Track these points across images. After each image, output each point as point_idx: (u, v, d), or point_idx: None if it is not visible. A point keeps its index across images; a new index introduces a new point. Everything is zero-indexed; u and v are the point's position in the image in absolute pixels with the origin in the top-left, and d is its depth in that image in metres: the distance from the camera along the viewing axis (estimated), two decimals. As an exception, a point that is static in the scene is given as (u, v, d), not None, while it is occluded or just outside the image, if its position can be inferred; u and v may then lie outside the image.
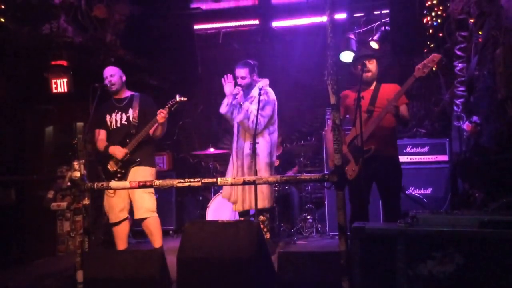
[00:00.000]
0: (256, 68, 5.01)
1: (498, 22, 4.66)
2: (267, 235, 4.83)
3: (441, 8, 5.95)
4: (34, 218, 6.07)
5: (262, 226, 4.70)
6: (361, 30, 6.80)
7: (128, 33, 6.21)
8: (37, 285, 4.30)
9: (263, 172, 4.81)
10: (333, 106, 2.54)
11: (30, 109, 6.40)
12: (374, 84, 4.16)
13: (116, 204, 4.41)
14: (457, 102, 5.89)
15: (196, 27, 7.31)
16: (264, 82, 4.96)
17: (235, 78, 4.99)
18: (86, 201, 3.01)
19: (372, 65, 4.13)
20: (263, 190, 4.78)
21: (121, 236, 4.48)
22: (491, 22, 4.91)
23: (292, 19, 7.20)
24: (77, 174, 2.93)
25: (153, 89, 7.17)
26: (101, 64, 5.81)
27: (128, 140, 4.39)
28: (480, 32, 5.25)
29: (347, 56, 6.02)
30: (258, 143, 4.71)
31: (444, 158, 6.11)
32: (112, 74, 4.50)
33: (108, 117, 4.52)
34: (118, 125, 4.49)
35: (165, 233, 6.32)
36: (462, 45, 5.64)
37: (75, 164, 2.94)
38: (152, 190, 4.43)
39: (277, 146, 5.33)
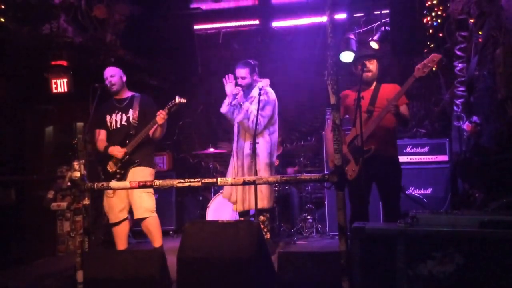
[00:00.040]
0: (256, 68, 5.01)
1: (498, 22, 4.66)
2: (267, 235, 4.83)
3: (441, 8, 5.95)
4: (34, 218, 6.07)
5: (262, 226, 4.69)
6: (361, 30, 6.80)
7: (128, 33, 6.21)
8: (37, 285, 4.30)
9: (263, 173, 4.81)
10: (333, 106, 2.54)
11: (30, 109, 6.40)
12: (374, 84, 4.16)
13: (115, 205, 4.41)
14: (457, 102, 5.89)
15: (196, 27, 7.31)
16: (264, 82, 4.95)
17: (236, 78, 4.99)
18: (86, 201, 3.01)
19: (372, 65, 4.13)
20: (263, 190, 4.78)
21: (121, 236, 4.48)
22: (491, 22, 4.91)
23: (292, 19, 7.20)
24: (77, 174, 2.93)
25: (153, 89, 7.17)
26: (101, 64, 5.81)
27: (127, 141, 4.39)
28: (480, 32, 5.25)
29: (347, 56, 6.02)
30: (258, 143, 4.71)
31: (444, 158, 6.11)
32: (112, 75, 4.50)
33: (108, 117, 4.52)
34: (118, 125, 4.49)
35: (165, 233, 6.32)
36: (462, 45, 5.64)
37: (75, 164, 2.94)
38: (151, 190, 4.42)
39: (277, 146, 5.33)
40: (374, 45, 6.35)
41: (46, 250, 6.04)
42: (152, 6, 6.66)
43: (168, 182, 2.92)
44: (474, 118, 5.38)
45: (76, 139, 6.87)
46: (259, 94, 4.66)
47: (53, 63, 5.63)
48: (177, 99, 4.27)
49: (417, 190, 6.12)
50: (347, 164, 3.95)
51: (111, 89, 4.47)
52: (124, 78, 4.59)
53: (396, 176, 4.06)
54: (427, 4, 6.05)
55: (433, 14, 6.01)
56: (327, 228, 6.30)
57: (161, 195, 6.60)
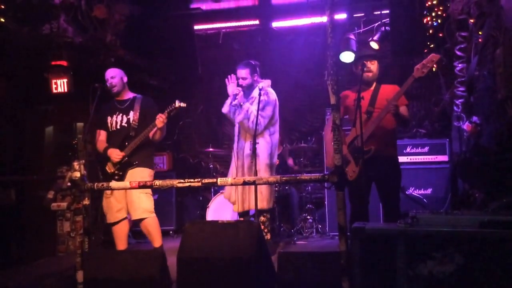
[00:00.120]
0: (257, 68, 5.00)
1: (498, 23, 4.66)
2: (268, 236, 4.83)
3: (441, 8, 5.95)
4: (34, 218, 6.07)
5: (262, 227, 4.69)
6: (361, 30, 6.80)
7: (128, 33, 6.21)
8: (37, 285, 4.30)
9: (263, 173, 4.80)
10: (333, 107, 2.54)
11: (30, 109, 6.41)
12: (374, 84, 4.16)
13: (113, 205, 4.41)
14: (457, 102, 5.89)
15: (196, 27, 7.31)
16: (265, 83, 4.95)
17: (237, 78, 5.00)
18: (86, 202, 3.01)
19: (373, 65, 4.13)
20: (262, 191, 4.78)
21: (121, 236, 4.48)
22: (491, 22, 4.91)
23: (292, 19, 7.21)
24: (77, 174, 2.93)
25: (153, 89, 7.17)
26: (101, 64, 5.82)
27: (126, 143, 4.38)
28: (480, 33, 5.25)
29: (347, 57, 6.01)
30: (258, 143, 4.71)
31: (444, 158, 6.11)
32: (113, 76, 4.50)
33: (109, 118, 4.52)
34: (118, 127, 4.49)
35: (165, 233, 6.33)
36: (462, 46, 5.64)
37: (75, 164, 2.94)
38: (149, 190, 4.42)
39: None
40: (374, 45, 6.35)
41: (46, 250, 6.04)
42: (152, 6, 6.66)
43: (168, 182, 2.92)
44: (474, 118, 5.38)
45: (76, 139, 6.88)
46: (259, 95, 4.66)
47: (53, 63, 5.64)
48: (177, 103, 4.26)
49: (417, 190, 6.12)
50: (347, 164, 3.94)
51: (112, 91, 4.47)
52: (125, 79, 4.59)
53: (396, 177, 4.06)
54: (427, 4, 6.05)
55: (433, 14, 6.00)
56: (327, 228, 6.30)
57: (161, 195, 6.61)
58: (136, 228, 4.68)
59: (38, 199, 5.63)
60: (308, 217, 6.42)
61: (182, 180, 2.86)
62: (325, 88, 2.63)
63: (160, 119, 4.23)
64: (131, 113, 4.47)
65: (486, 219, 2.42)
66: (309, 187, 6.68)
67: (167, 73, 7.41)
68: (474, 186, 5.12)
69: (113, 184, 3.37)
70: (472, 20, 5.39)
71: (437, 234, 2.43)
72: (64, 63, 5.62)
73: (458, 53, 5.71)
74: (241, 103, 4.86)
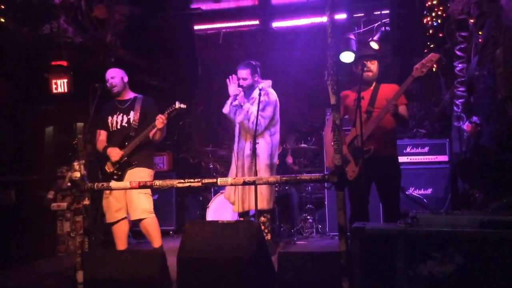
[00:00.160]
0: (258, 69, 5.00)
1: (498, 23, 4.66)
2: (268, 236, 4.83)
3: (441, 8, 5.95)
4: (34, 218, 6.08)
5: (263, 227, 4.70)
6: (361, 30, 6.80)
7: (128, 34, 6.21)
8: (37, 285, 4.30)
9: (263, 173, 4.80)
10: (333, 107, 2.54)
11: (30, 109, 6.41)
12: (374, 84, 4.16)
13: (113, 204, 4.41)
14: (457, 102, 5.89)
15: (196, 27, 7.31)
16: (266, 83, 4.95)
17: (238, 79, 4.99)
18: (86, 202, 3.01)
19: (373, 65, 4.13)
20: (262, 191, 4.77)
21: (121, 236, 4.48)
22: (491, 22, 4.91)
23: (292, 20, 7.21)
24: (77, 174, 2.93)
25: (153, 89, 7.17)
26: (101, 64, 5.82)
27: (126, 143, 4.38)
28: (480, 33, 5.25)
29: (347, 57, 6.02)
30: (258, 143, 4.71)
31: (444, 158, 6.11)
32: (113, 76, 4.50)
33: (109, 118, 4.52)
34: (119, 127, 4.48)
35: (165, 234, 6.33)
36: (462, 46, 5.64)
37: (75, 164, 2.94)
38: (148, 191, 4.41)
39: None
40: (374, 45, 6.35)
41: (46, 250, 6.04)
42: (152, 6, 6.67)
43: (168, 182, 2.92)
44: (474, 118, 5.38)
45: (76, 139, 6.88)
46: (259, 95, 4.66)
47: (53, 63, 5.64)
48: (177, 105, 4.26)
49: (417, 190, 6.12)
50: (347, 164, 3.94)
51: (112, 91, 4.47)
52: (126, 79, 4.58)
53: (396, 177, 4.06)
54: (427, 4, 6.05)
55: (433, 14, 6.00)
56: (327, 228, 6.30)
57: (161, 195, 6.61)
58: (136, 228, 4.68)
59: (38, 199, 5.63)
60: (308, 217, 6.42)
61: (182, 180, 2.86)
62: (325, 88, 2.63)
63: (160, 120, 4.22)
64: (132, 113, 4.47)
65: (486, 219, 2.42)
66: (309, 187, 6.68)
67: (167, 73, 7.41)
68: (474, 186, 5.12)
69: (113, 184, 3.37)
70: (472, 20, 5.39)
71: (437, 234, 2.43)
72: (64, 63, 5.62)
73: (458, 53, 5.71)
74: (242, 104, 4.86)
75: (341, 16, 6.66)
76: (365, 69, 4.00)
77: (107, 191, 4.37)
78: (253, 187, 4.46)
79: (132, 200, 4.34)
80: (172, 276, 3.35)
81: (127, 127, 4.46)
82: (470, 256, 2.35)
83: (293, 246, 5.86)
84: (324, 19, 6.37)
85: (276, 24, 7.29)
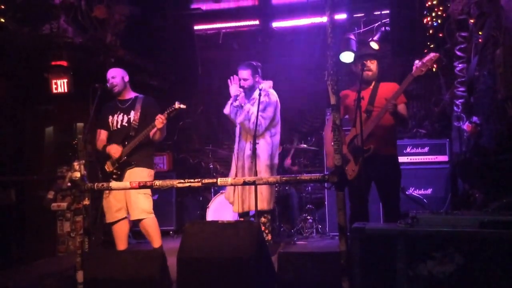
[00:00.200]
0: (259, 70, 4.99)
1: (498, 23, 4.66)
2: (269, 237, 4.83)
3: (441, 8, 5.95)
4: (34, 218, 6.08)
5: (263, 228, 4.70)
6: (361, 30, 6.81)
7: (128, 34, 6.21)
8: (37, 285, 4.29)
9: (264, 174, 4.79)
10: (333, 107, 2.54)
11: (30, 109, 6.41)
12: (373, 83, 4.16)
13: (113, 204, 4.41)
14: (457, 102, 5.89)
15: (196, 27, 7.32)
16: (267, 84, 4.95)
17: (239, 79, 4.99)
18: (86, 202, 3.01)
19: (373, 64, 4.13)
20: (263, 192, 4.77)
21: (121, 236, 4.48)
22: (491, 22, 4.91)
23: (292, 20, 7.21)
24: (77, 174, 2.93)
25: (153, 89, 7.17)
26: (101, 65, 5.82)
27: (126, 142, 4.38)
28: (480, 33, 5.25)
29: (347, 57, 6.02)
30: (258, 143, 4.71)
31: (444, 158, 6.11)
32: (114, 76, 4.50)
33: (110, 118, 4.52)
34: (119, 126, 4.48)
35: (165, 234, 6.33)
36: (462, 46, 5.64)
37: (75, 164, 2.94)
38: (148, 191, 4.41)
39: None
40: (374, 45, 6.35)
41: (46, 250, 6.04)
42: (152, 6, 6.66)
43: (168, 182, 2.92)
44: (474, 118, 5.38)
45: (76, 139, 6.87)
46: (259, 95, 4.66)
47: (53, 63, 5.64)
48: (177, 105, 4.25)
49: (417, 190, 6.12)
50: (347, 164, 3.94)
51: (113, 90, 4.47)
52: (127, 79, 4.58)
53: (396, 176, 4.06)
54: (427, 5, 6.05)
55: (433, 14, 6.00)
56: (327, 229, 6.30)
57: (161, 195, 6.61)
58: (136, 228, 4.68)
59: (38, 199, 5.63)
60: (308, 217, 6.42)
61: (182, 180, 2.86)
62: (325, 88, 2.63)
63: (159, 120, 4.22)
64: (132, 112, 4.47)
65: (486, 219, 2.42)
66: (309, 187, 6.68)
67: (167, 73, 7.41)
68: (474, 186, 5.12)
69: (113, 184, 3.37)
70: (472, 20, 5.39)
71: (437, 234, 2.43)
72: (64, 63, 5.62)
73: (458, 53, 5.71)
74: (242, 104, 4.86)
75: (341, 16, 6.66)
76: (365, 68, 4.00)
77: (107, 191, 4.37)
78: (253, 187, 4.46)
79: (131, 200, 4.35)
80: (172, 276, 3.35)
81: (127, 126, 4.46)
82: (470, 256, 2.35)
83: (293, 246, 5.86)
84: (324, 19, 6.37)
85: (276, 24, 7.29)
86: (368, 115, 4.00)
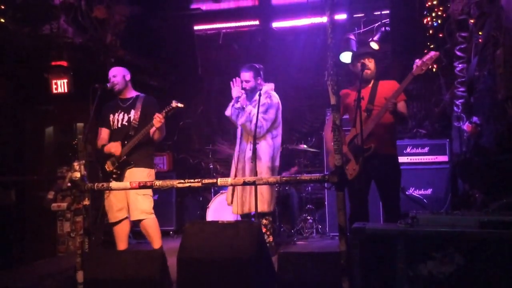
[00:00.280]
0: (261, 72, 4.99)
1: (498, 23, 4.66)
2: (270, 238, 4.83)
3: (441, 8, 5.95)
4: (34, 218, 6.08)
5: (265, 229, 4.71)
6: (361, 30, 6.81)
7: (128, 34, 6.21)
8: (37, 285, 4.30)
9: (264, 176, 4.79)
10: (333, 107, 2.54)
11: (30, 110, 6.41)
12: (372, 82, 4.16)
13: (114, 204, 4.41)
14: (457, 102, 5.89)
15: (196, 27, 7.33)
16: (269, 86, 4.95)
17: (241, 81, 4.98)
18: (86, 202, 3.01)
19: (371, 63, 4.13)
20: (263, 193, 4.77)
21: (121, 236, 4.48)
22: (491, 22, 4.91)
23: (292, 20, 7.22)
24: (77, 174, 2.93)
25: (153, 89, 7.17)
26: (101, 65, 5.82)
27: (126, 142, 4.38)
28: (480, 33, 5.25)
29: (347, 57, 6.02)
30: (258, 143, 4.71)
31: (444, 158, 6.11)
32: (115, 75, 4.50)
33: (111, 116, 4.52)
34: (119, 125, 4.48)
35: (165, 234, 6.33)
36: (462, 46, 5.64)
37: (75, 164, 2.94)
38: (148, 192, 4.40)
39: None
40: (374, 45, 6.35)
41: (46, 251, 6.04)
42: (152, 6, 6.67)
43: (168, 182, 2.92)
44: (474, 118, 5.38)
45: (76, 139, 6.87)
46: (259, 95, 4.66)
47: (53, 63, 5.64)
48: (174, 104, 4.24)
49: (417, 190, 6.12)
50: (348, 163, 3.94)
51: (114, 89, 4.47)
52: (128, 78, 4.58)
53: (396, 176, 4.06)
54: (427, 5, 6.05)
55: (433, 14, 6.00)
56: (327, 229, 6.30)
57: (161, 195, 6.61)
58: (136, 228, 4.68)
59: (38, 199, 5.63)
60: (308, 217, 6.42)
61: (182, 181, 2.86)
62: (325, 88, 2.63)
63: (157, 119, 4.21)
64: (132, 112, 4.47)
65: (486, 219, 2.42)
66: (309, 188, 6.68)
67: (167, 73, 7.42)
68: (474, 187, 5.12)
69: (113, 184, 3.37)
70: (472, 21, 5.39)
71: (437, 235, 2.43)
72: (64, 63, 5.62)
73: (458, 53, 5.71)
74: (244, 106, 4.85)
75: (341, 16, 6.67)
76: (364, 68, 4.00)
77: (107, 191, 4.37)
78: (253, 189, 4.45)
79: (131, 201, 4.35)
80: (172, 276, 3.35)
81: (127, 126, 4.45)
82: (470, 256, 2.35)
83: (293, 246, 5.86)
84: (324, 19, 6.37)
85: (276, 24, 7.30)
86: (368, 114, 3.99)
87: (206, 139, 8.08)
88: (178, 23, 7.02)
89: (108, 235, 5.36)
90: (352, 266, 2.52)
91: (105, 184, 3.10)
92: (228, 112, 5.02)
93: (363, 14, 6.72)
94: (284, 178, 2.92)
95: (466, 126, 5.57)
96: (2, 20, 4.91)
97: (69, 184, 2.96)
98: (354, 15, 6.73)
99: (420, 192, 6.11)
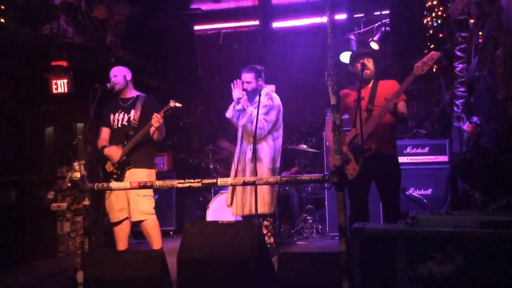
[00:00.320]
0: (262, 74, 4.98)
1: (499, 23, 4.66)
2: (271, 240, 4.82)
3: (441, 8, 5.95)
4: (34, 218, 6.07)
5: (266, 231, 4.71)
6: (361, 30, 6.81)
7: (128, 34, 6.21)
8: (37, 285, 4.30)
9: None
10: (333, 107, 2.54)
11: (30, 110, 6.40)
12: (372, 82, 4.16)
13: (114, 204, 4.41)
14: (457, 102, 5.90)
15: (196, 27, 7.32)
16: (270, 88, 4.95)
17: (242, 82, 4.97)
18: (86, 202, 3.01)
19: (370, 63, 4.13)
20: (265, 195, 4.76)
21: (122, 236, 4.48)
22: (492, 22, 4.91)
23: (292, 20, 7.21)
24: (77, 174, 2.93)
25: (153, 89, 7.16)
26: (101, 65, 5.82)
27: (126, 142, 4.38)
28: (480, 33, 5.25)
29: (347, 57, 6.02)
30: (259, 144, 4.71)
31: (444, 158, 6.11)
32: (116, 75, 4.50)
33: (112, 116, 4.52)
34: (119, 125, 4.48)
35: (165, 234, 6.33)
36: (462, 46, 5.64)
37: (75, 165, 2.94)
38: (148, 192, 4.39)
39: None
40: (374, 45, 6.36)
41: (46, 251, 6.04)
42: (152, 6, 6.67)
43: (168, 182, 2.92)
44: (474, 118, 5.38)
45: (76, 139, 6.87)
46: (259, 95, 4.66)
47: (53, 63, 5.64)
48: (172, 104, 4.23)
49: (417, 190, 6.12)
50: (348, 163, 3.94)
51: (114, 88, 4.47)
52: (129, 77, 4.57)
53: (396, 176, 4.06)
54: (427, 5, 6.05)
55: (433, 14, 6.00)
56: (327, 229, 6.30)
57: (161, 195, 6.60)
58: (136, 228, 4.68)
59: (38, 199, 5.63)
60: (308, 217, 6.42)
61: (182, 181, 2.86)
62: (325, 88, 2.63)
63: (155, 119, 4.21)
64: (132, 111, 4.47)
65: (486, 219, 2.42)
66: (309, 188, 6.68)
67: (167, 73, 7.41)
68: (474, 187, 5.12)
69: (113, 184, 3.37)
70: (472, 21, 5.39)
71: (437, 235, 2.43)
72: (64, 63, 5.62)
73: (458, 53, 5.71)
74: (245, 107, 4.85)
75: (341, 16, 6.66)
76: (365, 67, 4.00)
77: (108, 191, 4.38)
78: (253, 191, 4.44)
79: (131, 203, 4.35)
80: (172, 276, 3.35)
81: (127, 126, 4.45)
82: (470, 257, 2.35)
83: (293, 246, 5.86)
84: (324, 19, 6.36)
85: (276, 24, 7.29)
86: (368, 114, 3.99)
87: (206, 139, 8.08)
88: (178, 23, 7.01)
89: (108, 235, 5.36)
90: (352, 266, 2.52)
91: (105, 184, 3.11)
92: (229, 114, 5.01)
93: (363, 14, 6.72)
94: (284, 178, 2.92)
95: (466, 126, 5.57)
96: (2, 20, 4.90)
97: (69, 184, 2.96)
98: (354, 15, 6.73)
99: (420, 192, 6.11)
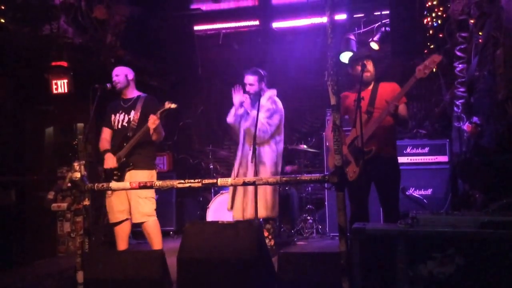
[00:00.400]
0: (265, 77, 4.98)
1: (499, 23, 4.66)
2: (272, 242, 4.82)
3: (441, 8, 5.95)
4: (34, 218, 6.08)
5: (267, 234, 4.72)
6: (361, 31, 6.81)
7: (128, 34, 6.21)
8: (37, 285, 4.30)
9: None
10: (333, 107, 2.54)
11: (30, 110, 6.41)
12: (372, 84, 4.16)
13: (115, 205, 4.40)
14: (457, 103, 5.89)
15: (196, 28, 7.32)
16: (272, 92, 4.95)
17: (244, 85, 4.97)
18: (87, 202, 3.01)
19: (369, 65, 4.13)
20: (267, 199, 4.77)
21: (122, 236, 4.48)
22: (492, 23, 4.91)
23: (292, 20, 7.21)
24: (78, 175, 2.93)
25: (153, 90, 7.17)
26: (101, 65, 5.82)
27: (125, 143, 4.38)
28: (480, 33, 5.25)
29: (347, 57, 6.02)
30: (261, 148, 4.72)
31: (444, 159, 6.11)
32: (117, 74, 4.50)
33: (113, 116, 4.52)
34: (120, 126, 4.48)
35: (165, 234, 6.32)
36: (463, 46, 5.64)
37: (76, 165, 2.94)
38: (149, 194, 4.39)
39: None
40: (374, 45, 6.36)
41: (46, 251, 6.04)
42: (152, 7, 6.67)
43: (168, 182, 2.92)
44: (474, 118, 5.38)
45: (76, 139, 6.87)
46: (259, 96, 4.66)
47: (53, 63, 5.64)
48: (167, 105, 4.24)
49: (417, 190, 6.12)
50: (348, 165, 3.94)
51: (116, 87, 4.47)
52: (131, 77, 4.56)
53: (396, 177, 4.05)
54: (427, 5, 6.05)
55: (433, 14, 6.00)
56: (327, 229, 6.30)
57: (161, 195, 6.59)
58: (137, 228, 4.67)
59: (38, 199, 5.64)
60: (308, 217, 6.42)
61: (182, 181, 2.86)
62: (325, 88, 2.63)
63: (151, 120, 4.21)
64: (132, 112, 4.46)
65: (486, 219, 2.42)
66: (309, 188, 6.68)
67: (167, 73, 7.41)
68: (474, 187, 5.12)
69: (113, 184, 3.37)
70: (472, 21, 5.39)
71: (437, 235, 2.43)
72: (64, 63, 5.62)
73: (458, 53, 5.70)
74: (248, 111, 4.84)
75: (341, 17, 6.67)
76: (365, 69, 4.00)
77: (109, 192, 4.37)
78: (253, 194, 4.43)
79: (132, 204, 4.35)
80: (172, 277, 3.35)
81: (127, 127, 4.45)
82: (470, 257, 2.35)
83: (293, 246, 5.86)
84: (324, 19, 6.37)
85: (276, 25, 7.29)
86: (368, 116, 3.99)
87: (206, 139, 8.07)
88: (178, 23, 7.01)
89: (108, 235, 5.36)
90: (352, 266, 2.52)
91: (105, 185, 3.11)
92: (230, 119, 5.00)
93: (363, 14, 6.73)
94: (284, 178, 2.92)
95: (466, 126, 5.57)
96: (2, 20, 4.90)
97: (69, 184, 2.96)
98: (354, 15, 6.74)
99: (420, 192, 6.11)
